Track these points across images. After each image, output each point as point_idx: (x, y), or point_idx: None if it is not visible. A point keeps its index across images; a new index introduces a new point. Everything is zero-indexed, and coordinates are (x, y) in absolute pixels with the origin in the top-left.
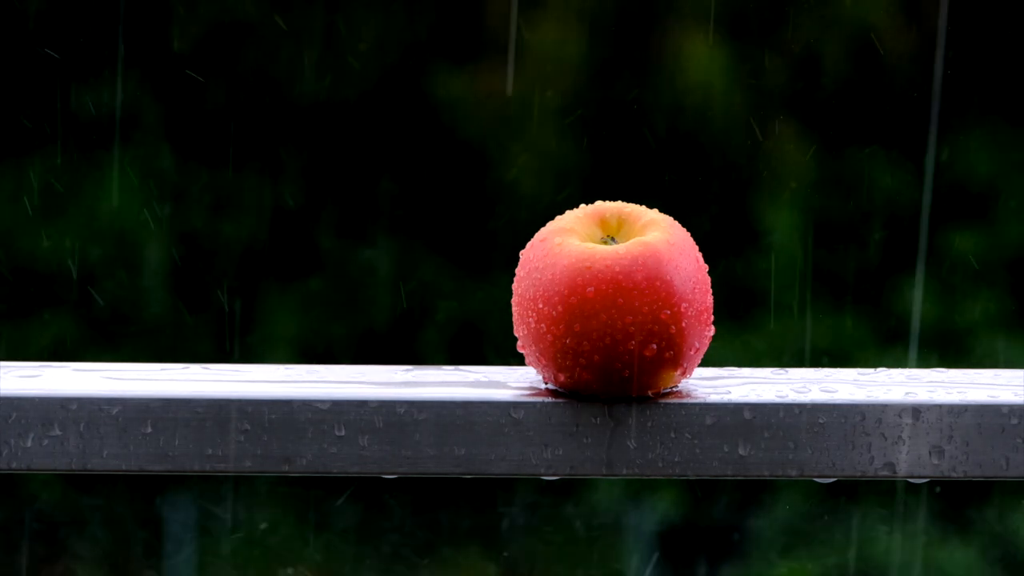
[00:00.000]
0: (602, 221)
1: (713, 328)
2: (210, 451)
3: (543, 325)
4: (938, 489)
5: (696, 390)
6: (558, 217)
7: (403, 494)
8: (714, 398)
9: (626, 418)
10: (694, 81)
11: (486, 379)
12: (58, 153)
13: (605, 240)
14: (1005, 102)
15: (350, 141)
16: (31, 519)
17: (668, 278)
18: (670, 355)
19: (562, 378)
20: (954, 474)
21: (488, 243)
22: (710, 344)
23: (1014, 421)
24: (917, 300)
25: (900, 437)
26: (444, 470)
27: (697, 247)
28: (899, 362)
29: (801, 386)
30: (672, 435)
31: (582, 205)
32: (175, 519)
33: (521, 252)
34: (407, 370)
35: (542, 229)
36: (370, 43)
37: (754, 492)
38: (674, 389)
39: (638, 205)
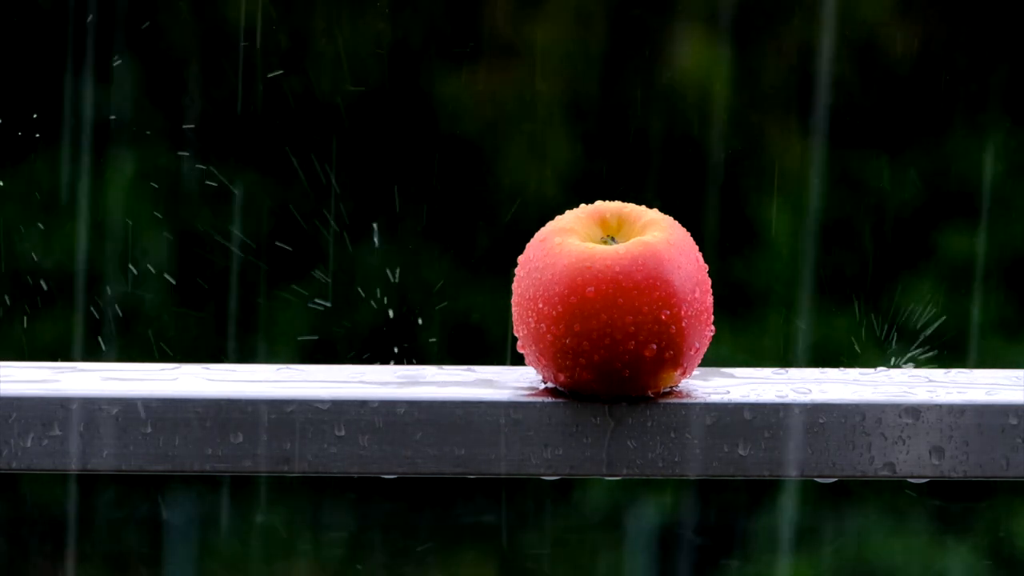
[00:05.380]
0: (602, 221)
1: (713, 328)
2: (210, 451)
3: (543, 325)
4: (938, 489)
5: (696, 390)
6: (558, 217)
7: (403, 494)
8: (714, 398)
9: (626, 418)
10: (693, 80)
11: (486, 379)
12: (59, 153)
13: (605, 240)
14: (1006, 101)
15: (350, 141)
16: (31, 519)
17: (668, 278)
18: (670, 355)
19: (562, 378)
20: (954, 474)
21: (488, 243)
22: (711, 344)
23: (1014, 421)
24: (917, 300)
25: (900, 437)
26: (444, 470)
27: (697, 247)
28: (899, 362)
29: (801, 386)
30: (672, 435)
31: (582, 205)
32: (175, 519)
33: (520, 252)
34: (407, 370)
35: (542, 229)
36: (370, 43)
37: (754, 492)
38: (674, 389)
39: (638, 205)
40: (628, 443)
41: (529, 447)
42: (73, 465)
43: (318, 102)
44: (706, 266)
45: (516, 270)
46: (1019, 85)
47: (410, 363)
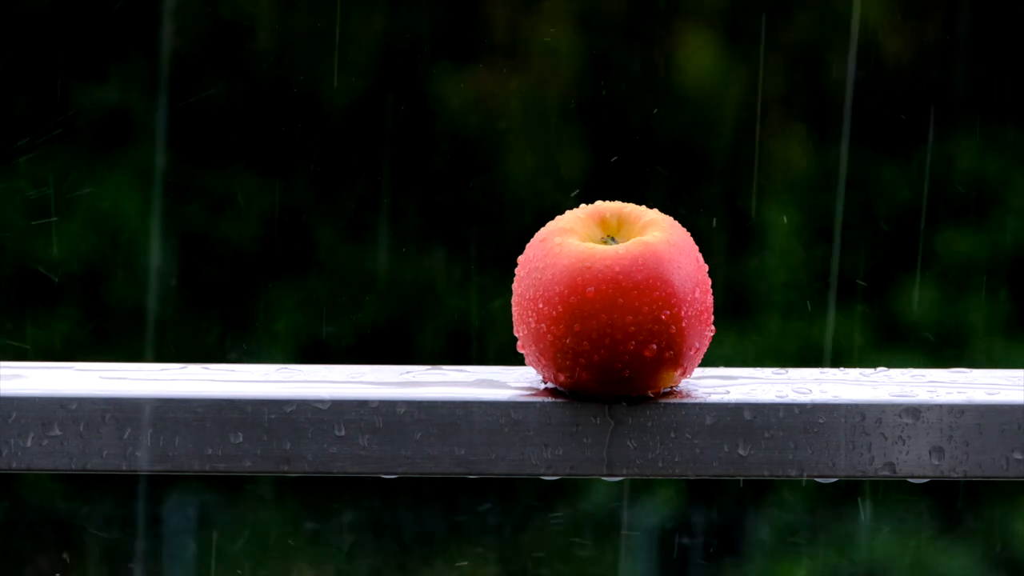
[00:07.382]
0: (602, 221)
1: (713, 328)
2: (210, 451)
3: (543, 325)
4: (938, 489)
5: (696, 390)
6: (558, 217)
7: (403, 494)
8: (714, 398)
9: (626, 418)
10: (694, 80)
11: (486, 379)
12: (59, 153)
13: (605, 240)
14: (1004, 101)
15: (350, 140)
16: (31, 519)
17: (668, 278)
18: (670, 355)
19: (562, 378)
20: (954, 474)
21: (488, 243)
22: (711, 344)
23: (1014, 421)
24: (917, 300)
25: (900, 437)
26: (444, 470)
27: (697, 247)
28: (899, 362)
29: (801, 386)
30: (672, 435)
31: (582, 205)
32: (175, 519)
33: (520, 252)
34: (407, 370)
35: (542, 229)
36: (370, 43)
37: (754, 492)
38: (674, 389)
39: (638, 205)
40: (628, 443)
41: (529, 447)
42: (73, 465)
43: (319, 102)
44: (706, 266)
45: (516, 270)
46: (1018, 84)
47: (409, 363)
